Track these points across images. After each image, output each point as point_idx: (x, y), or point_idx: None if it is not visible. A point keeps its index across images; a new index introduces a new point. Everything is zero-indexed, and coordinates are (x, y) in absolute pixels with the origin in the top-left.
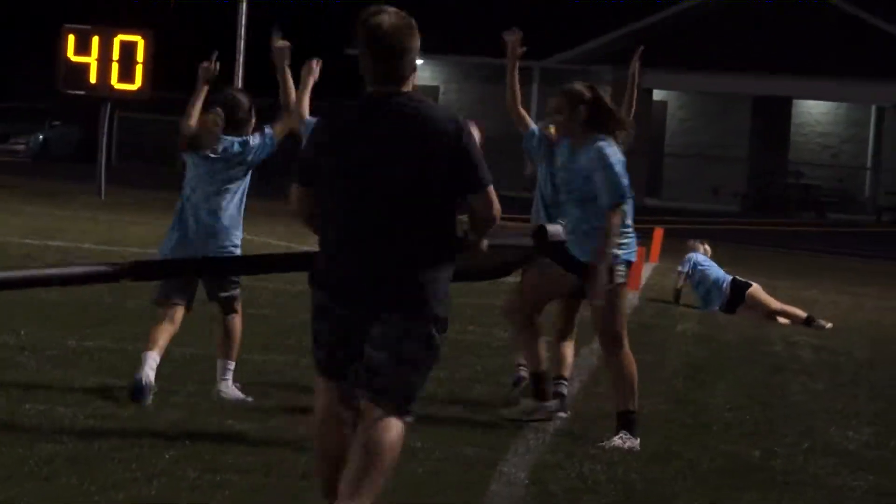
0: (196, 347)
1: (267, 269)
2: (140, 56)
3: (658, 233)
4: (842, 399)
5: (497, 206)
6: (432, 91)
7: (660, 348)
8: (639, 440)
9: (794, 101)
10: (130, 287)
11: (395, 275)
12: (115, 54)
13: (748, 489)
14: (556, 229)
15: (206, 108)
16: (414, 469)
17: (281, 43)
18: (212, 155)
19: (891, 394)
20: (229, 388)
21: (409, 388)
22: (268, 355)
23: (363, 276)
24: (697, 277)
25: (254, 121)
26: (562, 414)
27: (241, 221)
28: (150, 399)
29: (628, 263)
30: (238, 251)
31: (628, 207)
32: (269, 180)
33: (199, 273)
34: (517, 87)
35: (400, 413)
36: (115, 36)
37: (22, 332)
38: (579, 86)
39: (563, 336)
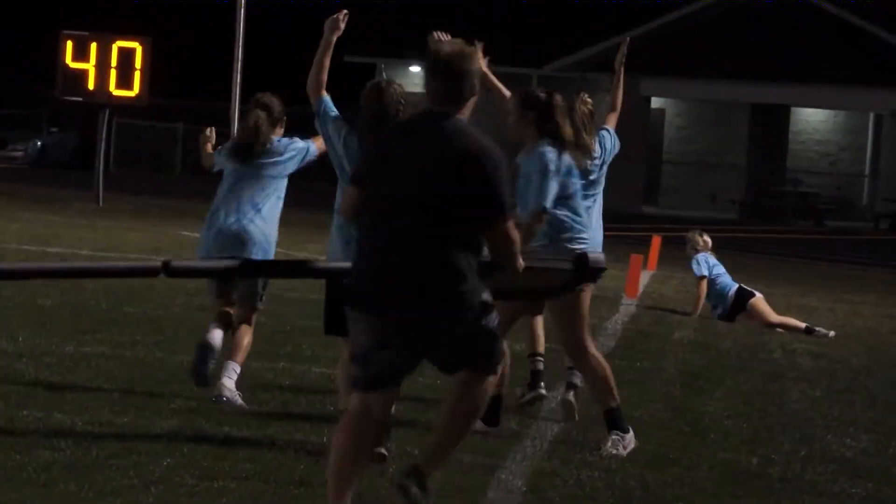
0: (194, 355)
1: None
2: (138, 63)
3: (656, 240)
4: (839, 406)
5: (512, 238)
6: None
7: (658, 356)
8: (631, 433)
9: (793, 109)
10: (127, 293)
11: (424, 282)
12: (114, 61)
13: (746, 496)
14: (598, 257)
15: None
16: None
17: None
18: (259, 154)
19: (888, 401)
20: (231, 388)
21: (493, 348)
22: (264, 363)
23: (396, 282)
24: (718, 286)
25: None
26: (542, 392)
27: (277, 225)
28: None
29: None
30: (271, 255)
31: (594, 208)
32: None
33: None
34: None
35: (494, 371)
36: (114, 42)
37: (20, 339)
38: (537, 91)
39: (532, 313)
